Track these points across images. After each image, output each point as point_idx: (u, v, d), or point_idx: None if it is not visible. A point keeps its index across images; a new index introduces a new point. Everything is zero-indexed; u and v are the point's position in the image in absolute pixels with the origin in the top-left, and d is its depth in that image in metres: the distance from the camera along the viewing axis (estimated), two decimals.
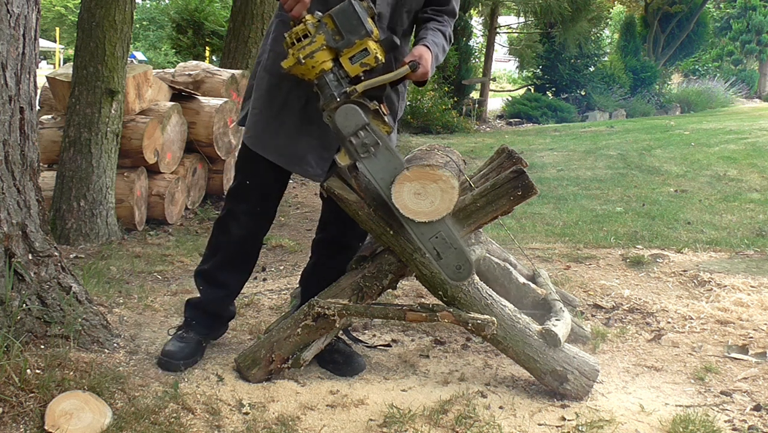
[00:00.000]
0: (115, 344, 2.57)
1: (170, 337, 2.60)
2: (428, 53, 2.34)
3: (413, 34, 2.60)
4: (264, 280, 3.80)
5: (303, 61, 2.21)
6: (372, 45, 2.22)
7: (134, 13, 4.66)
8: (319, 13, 2.25)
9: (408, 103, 11.17)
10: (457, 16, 2.60)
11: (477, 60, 16.48)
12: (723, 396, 2.52)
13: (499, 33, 16.62)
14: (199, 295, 2.67)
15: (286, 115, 2.44)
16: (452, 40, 2.56)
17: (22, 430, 2.03)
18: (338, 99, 2.22)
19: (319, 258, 2.76)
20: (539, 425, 2.28)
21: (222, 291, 2.64)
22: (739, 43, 26.26)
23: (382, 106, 2.27)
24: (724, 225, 5.25)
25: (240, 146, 2.61)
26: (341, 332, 2.66)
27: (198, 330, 2.61)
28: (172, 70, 6.16)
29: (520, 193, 2.41)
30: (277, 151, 2.46)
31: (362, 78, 2.24)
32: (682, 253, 4.20)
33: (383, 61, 2.27)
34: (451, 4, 2.54)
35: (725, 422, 2.34)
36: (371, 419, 2.27)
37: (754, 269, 3.89)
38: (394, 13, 2.43)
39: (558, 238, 4.73)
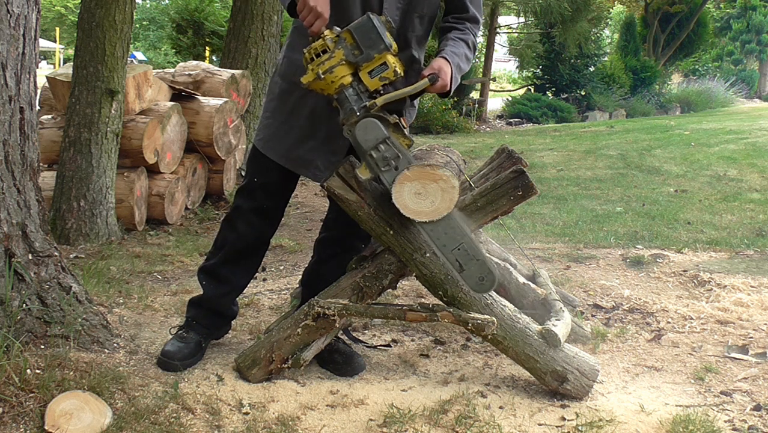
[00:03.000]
0: (115, 344, 2.57)
1: (171, 337, 2.61)
2: (447, 65, 2.33)
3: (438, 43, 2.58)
4: (264, 280, 3.80)
5: (322, 76, 2.21)
6: (391, 59, 2.21)
7: (134, 13, 4.66)
8: (338, 29, 2.25)
9: None
10: (481, 22, 2.57)
11: (477, 60, 16.48)
12: (723, 396, 2.52)
13: (499, 33, 16.62)
14: (201, 292, 2.67)
15: (295, 120, 2.45)
16: (476, 48, 2.53)
17: (22, 430, 2.02)
18: (358, 113, 2.22)
19: (321, 257, 2.76)
20: (539, 425, 2.28)
21: (225, 287, 2.64)
22: (739, 43, 26.30)
23: (402, 119, 2.27)
24: (724, 225, 5.25)
25: (251, 147, 2.62)
26: (341, 332, 2.66)
27: (198, 330, 2.61)
28: (172, 70, 6.17)
29: (520, 193, 2.41)
30: (286, 155, 2.48)
31: (381, 92, 2.24)
32: (682, 253, 4.20)
33: (402, 75, 2.26)
34: (471, 10, 2.51)
35: (725, 422, 2.34)
36: (371, 419, 2.27)
37: (754, 269, 3.89)
38: (404, 18, 2.42)
39: (558, 238, 4.73)
